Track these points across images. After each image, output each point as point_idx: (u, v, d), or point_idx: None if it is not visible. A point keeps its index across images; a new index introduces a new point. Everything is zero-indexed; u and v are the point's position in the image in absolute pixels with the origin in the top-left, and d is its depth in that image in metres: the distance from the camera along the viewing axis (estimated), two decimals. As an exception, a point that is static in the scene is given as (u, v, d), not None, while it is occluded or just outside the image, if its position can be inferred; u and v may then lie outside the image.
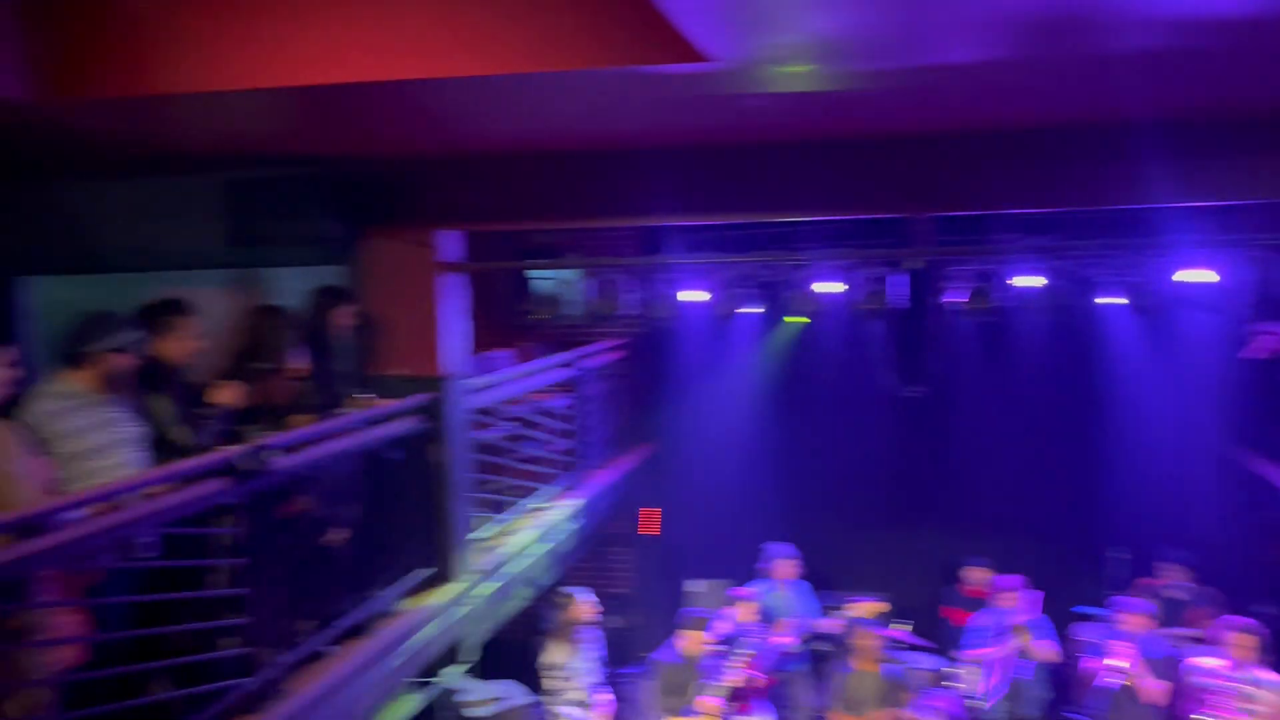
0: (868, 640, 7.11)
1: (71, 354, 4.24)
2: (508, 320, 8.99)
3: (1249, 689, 6.22)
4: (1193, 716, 6.33)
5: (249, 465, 4.00)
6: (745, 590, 8.15)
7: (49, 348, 4.89)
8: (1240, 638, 6.30)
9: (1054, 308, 7.47)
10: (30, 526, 3.26)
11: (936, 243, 6.79)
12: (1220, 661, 6.40)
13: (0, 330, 4.09)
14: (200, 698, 3.80)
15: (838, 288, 7.74)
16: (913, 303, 7.48)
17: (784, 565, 8.57)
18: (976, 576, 8.49)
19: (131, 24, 4.15)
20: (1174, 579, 8.04)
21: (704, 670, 7.08)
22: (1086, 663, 7.63)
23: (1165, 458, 8.79)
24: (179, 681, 3.86)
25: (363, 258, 6.06)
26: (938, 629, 8.77)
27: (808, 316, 7.56)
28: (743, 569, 9.38)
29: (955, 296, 7.43)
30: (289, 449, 4.31)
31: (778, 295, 7.89)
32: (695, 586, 9.11)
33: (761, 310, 8.77)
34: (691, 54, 3.60)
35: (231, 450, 4.02)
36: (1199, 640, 7.27)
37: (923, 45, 4.03)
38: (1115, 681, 6.75)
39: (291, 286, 5.86)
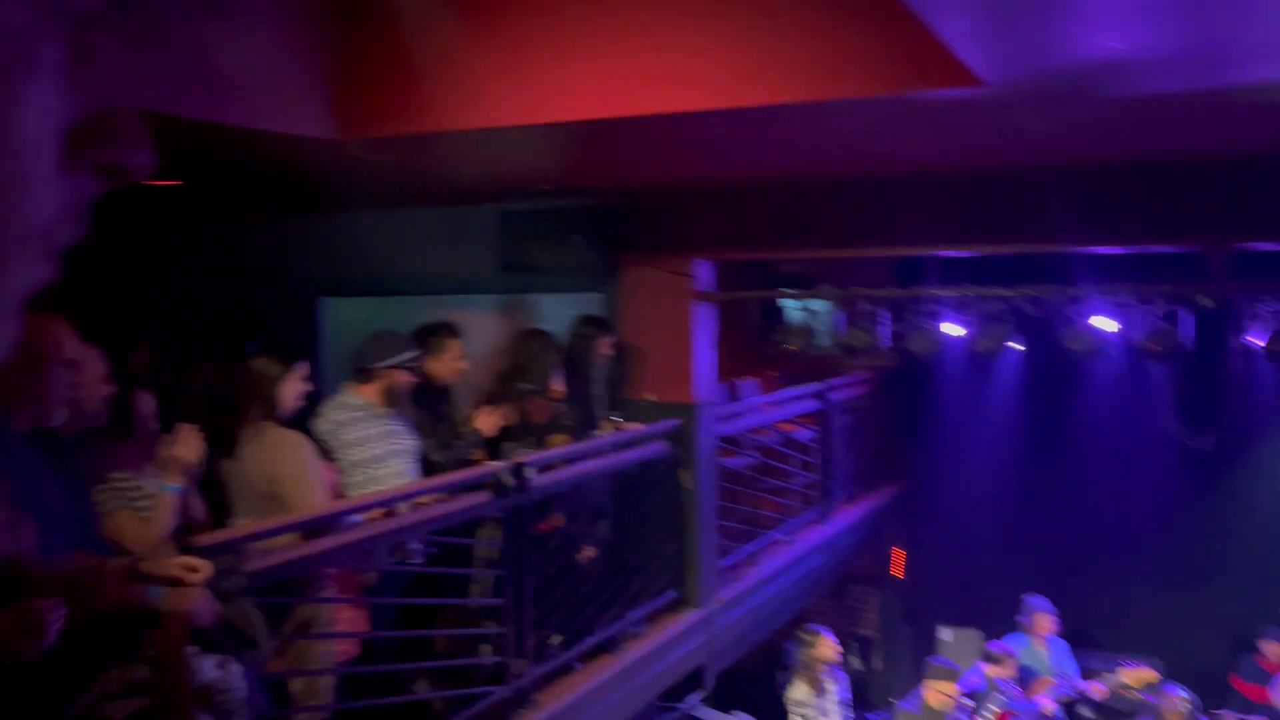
0: (1177, 707, 6.43)
1: (359, 369, 4.60)
2: (756, 350, 8.97)
3: None
4: None
5: (510, 481, 4.19)
6: (1002, 644, 7.68)
7: (339, 363, 5.33)
8: None
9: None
10: (318, 527, 3.54)
11: (1232, 277, 6.17)
12: None
13: (301, 347, 4.50)
14: (458, 701, 3.99)
15: (1112, 326, 7.18)
16: (1201, 343, 6.80)
17: (1042, 619, 8.02)
18: (1271, 647, 7.61)
19: (417, 66, 4.47)
20: None
21: (951, 724, 6.72)
22: None
23: None
24: (439, 683, 4.07)
25: (621, 284, 6.23)
26: (1225, 702, 7.93)
27: (1081, 353, 7.05)
28: (994, 619, 8.86)
29: (1255, 337, 6.69)
30: (547, 467, 4.47)
31: (1044, 330, 7.40)
32: (944, 634, 8.71)
33: (1024, 347, 8.28)
34: (966, 77, 3.45)
35: (495, 466, 4.21)
36: None
37: (1229, 62, 3.67)
38: None
39: (555, 311, 6.11)
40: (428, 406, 4.94)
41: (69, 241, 1.04)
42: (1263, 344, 6.69)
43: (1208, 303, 6.49)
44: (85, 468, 3.01)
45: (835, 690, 6.93)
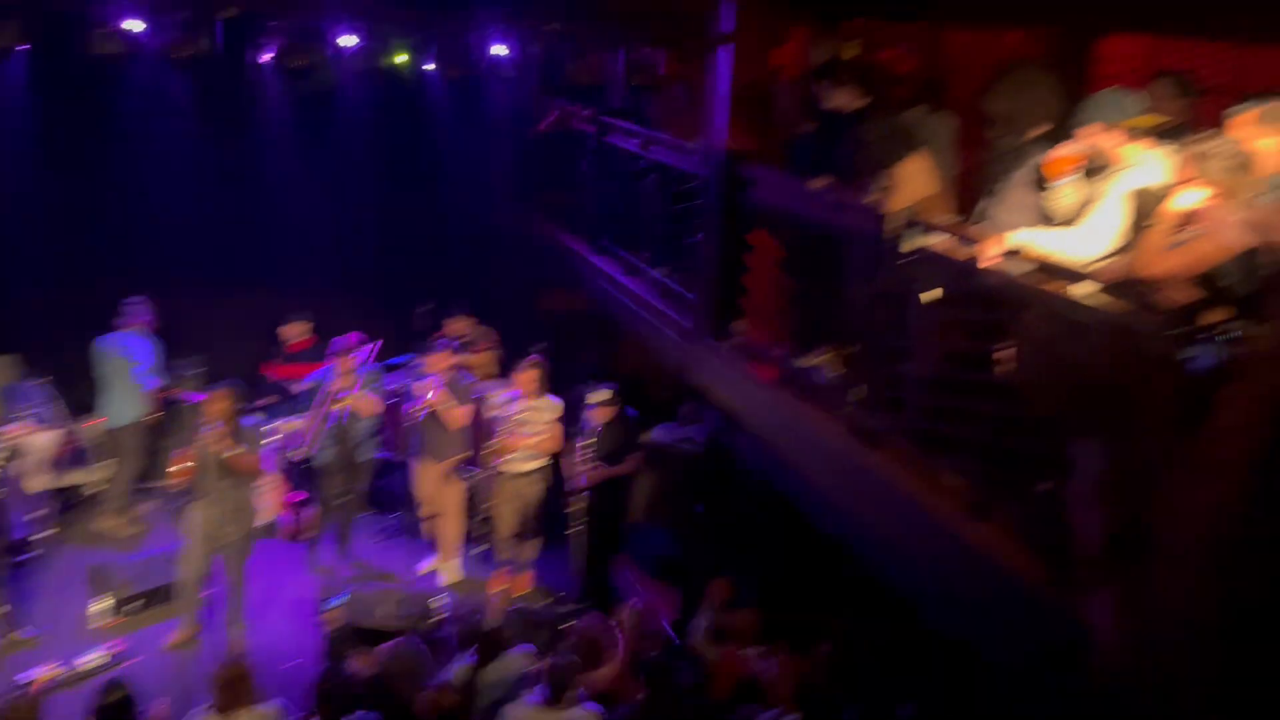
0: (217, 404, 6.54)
1: None
2: None
3: (530, 415, 7.33)
4: (488, 442, 7.30)
5: None
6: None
7: None
8: (525, 374, 7.34)
9: (376, 74, 7.52)
10: None
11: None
12: (509, 394, 7.42)
13: None
14: None
15: (139, 26, 6.92)
16: (226, 54, 6.99)
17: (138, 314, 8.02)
18: (294, 333, 8.62)
19: None
20: (461, 327, 8.96)
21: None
22: (399, 406, 8.35)
23: (468, 220, 9.65)
24: None
25: None
26: (260, 387, 8.79)
27: (108, 56, 6.62)
28: (24, 341, 8.34)
29: (272, 53, 7.10)
30: None
31: (66, 29, 6.76)
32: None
33: (29, 46, 7.47)
34: None
35: None
36: (494, 375, 8.30)
37: None
38: (423, 414, 7.45)
39: None
40: None
41: None
42: (280, 57, 7.16)
43: (232, 12, 6.66)
44: None
45: None
